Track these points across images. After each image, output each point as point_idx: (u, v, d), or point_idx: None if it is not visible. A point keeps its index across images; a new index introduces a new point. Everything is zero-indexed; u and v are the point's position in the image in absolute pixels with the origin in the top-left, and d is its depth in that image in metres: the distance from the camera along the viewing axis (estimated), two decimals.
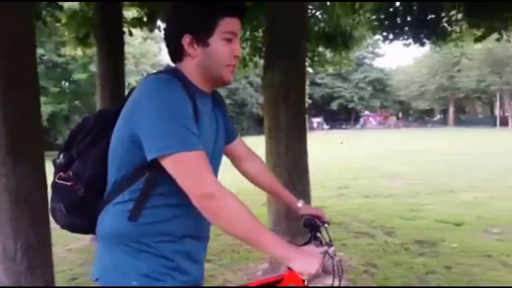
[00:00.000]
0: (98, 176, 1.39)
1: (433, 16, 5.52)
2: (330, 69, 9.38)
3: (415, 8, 5.65)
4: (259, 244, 1.25)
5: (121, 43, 5.78)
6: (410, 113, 69.18)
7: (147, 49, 33.81)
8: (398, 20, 5.70)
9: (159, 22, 6.85)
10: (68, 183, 1.40)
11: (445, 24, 5.57)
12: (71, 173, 1.40)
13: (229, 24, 1.36)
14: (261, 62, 7.14)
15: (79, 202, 1.39)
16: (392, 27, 5.78)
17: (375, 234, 5.60)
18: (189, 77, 1.38)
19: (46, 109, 22.21)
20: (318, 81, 57.04)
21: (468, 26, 5.39)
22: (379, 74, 61.90)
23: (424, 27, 5.58)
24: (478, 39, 5.55)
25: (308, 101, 53.31)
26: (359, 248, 5.10)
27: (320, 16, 6.53)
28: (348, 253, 4.88)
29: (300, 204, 1.78)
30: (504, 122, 47.44)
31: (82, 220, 1.42)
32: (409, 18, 5.70)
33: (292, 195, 1.82)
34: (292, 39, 4.02)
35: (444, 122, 61.01)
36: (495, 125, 48.93)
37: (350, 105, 61.36)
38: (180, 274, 1.37)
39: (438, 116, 67.78)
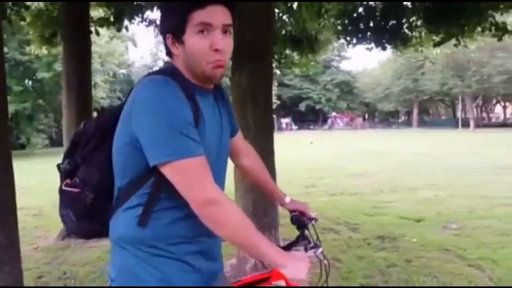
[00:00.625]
0: (105, 181, 1.35)
1: (394, 21, 5.76)
2: (298, 71, 9.55)
3: (377, 13, 5.89)
4: (254, 251, 1.28)
5: (88, 43, 5.75)
6: (376, 115, 70.76)
7: (113, 48, 33.28)
8: (361, 25, 5.92)
9: (126, 22, 6.86)
10: (76, 190, 1.36)
11: (406, 30, 5.82)
12: (77, 180, 1.36)
13: (201, 16, 1.26)
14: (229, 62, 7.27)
15: (89, 208, 1.36)
16: (356, 32, 6.00)
17: (339, 230, 5.79)
18: (184, 75, 1.33)
19: (9, 108, 21.52)
20: (287, 82, 57.60)
21: (427, 31, 5.66)
22: (345, 77, 62.97)
23: (385, 32, 5.81)
24: (436, 44, 5.84)
25: (276, 102, 53.71)
26: (324, 243, 5.18)
27: (287, 20, 6.68)
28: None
29: (287, 199, 1.82)
30: (465, 124, 49.07)
31: (93, 225, 1.40)
32: (371, 24, 5.92)
33: (282, 192, 1.84)
34: (259, 42, 4.13)
35: (408, 123, 62.61)
36: (457, 126, 50.55)
37: (318, 106, 62.16)
38: (197, 275, 1.35)
39: (402, 118, 69.51)
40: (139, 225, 1.28)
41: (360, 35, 6.04)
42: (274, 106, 54.34)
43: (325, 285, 1.55)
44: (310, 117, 65.60)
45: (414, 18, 5.72)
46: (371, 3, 6.08)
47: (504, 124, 55.33)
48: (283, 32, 6.74)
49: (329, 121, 64.64)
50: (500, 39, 5.64)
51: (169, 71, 1.30)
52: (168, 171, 1.20)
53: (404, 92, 54.34)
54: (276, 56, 7.17)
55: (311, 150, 23.10)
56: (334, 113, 64.80)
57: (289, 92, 60.49)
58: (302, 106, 62.16)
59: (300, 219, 1.72)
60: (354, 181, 10.83)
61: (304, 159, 17.26)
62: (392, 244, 5.12)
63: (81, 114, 5.47)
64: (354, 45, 6.35)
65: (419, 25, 5.75)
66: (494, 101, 61.96)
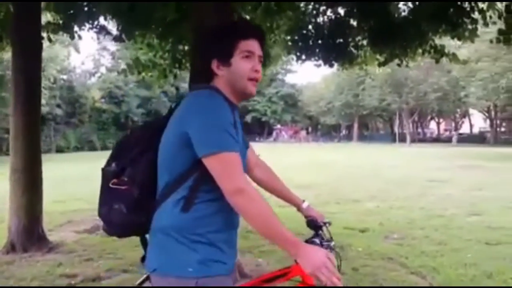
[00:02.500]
0: (150, 180, 1.59)
1: (341, 40, 6.04)
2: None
3: (325, 32, 6.15)
4: (275, 240, 1.49)
5: (38, 48, 5.56)
6: (319, 128, 72.56)
7: (55, 53, 32.00)
8: (310, 42, 6.15)
9: (76, 28, 6.71)
10: (123, 187, 1.59)
11: (352, 49, 6.12)
12: (126, 179, 1.58)
13: (245, 45, 1.61)
14: (182, 73, 7.26)
15: (137, 202, 1.57)
16: (305, 48, 6.21)
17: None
18: (224, 94, 1.62)
19: None
20: None
21: (372, 51, 5.99)
22: (290, 90, 64.23)
23: (333, 50, 6.07)
24: (381, 64, 6.18)
25: None
26: (275, 254, 5.36)
27: None
28: (265, 259, 5.13)
29: (304, 205, 2.08)
30: (402, 139, 51.37)
31: (140, 217, 1.59)
32: (320, 41, 6.17)
33: (298, 198, 2.11)
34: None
35: (349, 137, 64.70)
36: (394, 141, 52.82)
37: (264, 119, 62.87)
38: (226, 260, 1.58)
39: (344, 131, 71.69)
40: (182, 211, 1.51)
41: (309, 52, 6.26)
42: None
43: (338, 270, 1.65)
44: (256, 129, 66.11)
45: (359, 37, 6.03)
46: (320, 21, 6.33)
47: (437, 139, 58.59)
48: None
49: (274, 133, 65.47)
50: (438, 61, 6.07)
51: (213, 88, 1.62)
52: (210, 162, 1.46)
53: (346, 106, 56.15)
54: None
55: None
56: (279, 126, 65.75)
57: None
58: (248, 118, 62.54)
59: (315, 222, 1.97)
60: (302, 193, 10.76)
61: None
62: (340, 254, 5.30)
63: (29, 123, 5.29)
64: (303, 61, 6.57)
65: (365, 44, 6.06)
66: (429, 117, 65.46)
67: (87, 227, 7.00)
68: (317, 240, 1.83)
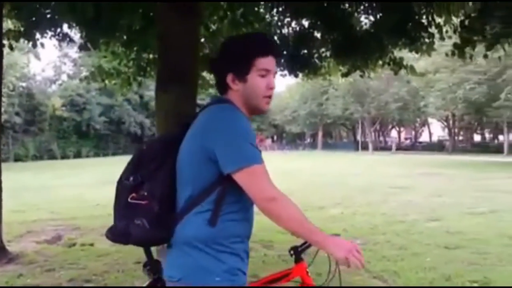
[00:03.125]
0: (169, 194, 1.61)
1: (305, 51, 6.18)
2: (211, 91, 9.69)
3: (290, 43, 6.27)
4: (306, 236, 1.58)
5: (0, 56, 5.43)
6: (284, 136, 73.22)
7: (14, 60, 31.03)
8: None
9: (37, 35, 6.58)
10: (143, 202, 1.59)
11: (316, 60, 6.26)
12: (145, 193, 1.59)
13: (263, 63, 1.63)
14: (146, 81, 7.22)
15: (158, 217, 1.58)
16: None
17: (254, 247, 5.94)
18: (239, 106, 1.65)
19: None
20: (199, 102, 57.50)
21: (335, 63, 6.16)
22: None
23: (297, 61, 6.20)
24: (343, 75, 6.36)
25: None
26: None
27: (204, 43, 6.82)
28: None
29: None
30: (365, 147, 52.56)
31: (162, 232, 1.60)
32: (285, 52, 6.29)
33: None
34: (185, 64, 4.22)
35: (314, 145, 65.60)
36: (357, 149, 53.97)
37: None
38: (245, 269, 1.64)
39: (308, 140, 72.59)
40: (209, 225, 1.54)
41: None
42: None
43: (334, 270, 1.88)
44: None
45: (323, 49, 6.19)
46: (285, 32, 6.46)
47: (398, 148, 60.14)
48: (201, 54, 6.86)
49: None
50: (396, 73, 6.31)
51: (229, 102, 1.65)
52: (242, 174, 1.50)
53: (310, 115, 56.96)
54: None
55: None
56: None
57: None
58: None
59: None
60: None
61: None
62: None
63: None
64: None
65: (328, 56, 6.23)
66: (390, 126, 67.20)
67: (47, 237, 6.84)
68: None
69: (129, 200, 1.61)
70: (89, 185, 16.02)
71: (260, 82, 1.64)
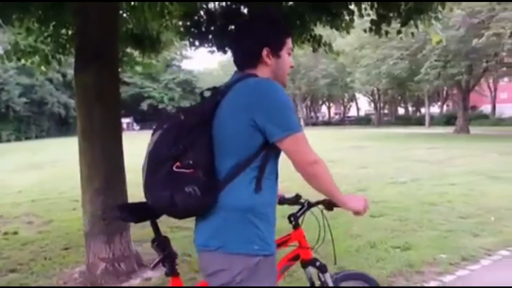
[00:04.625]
0: (211, 162, 1.65)
1: (233, 27, 6.09)
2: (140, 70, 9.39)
3: (218, 18, 6.16)
4: (335, 195, 1.76)
5: None
6: None
7: None
8: (203, 28, 6.13)
9: None
10: (188, 171, 1.59)
11: None
12: (190, 162, 1.59)
13: (290, 43, 1.80)
14: (67, 59, 6.82)
15: (206, 184, 1.60)
16: (198, 34, 6.18)
17: (190, 227, 5.85)
18: None
19: None
20: (127, 80, 55.55)
21: None
22: (187, 76, 63.57)
23: (225, 37, 6.12)
24: None
25: None
26: (175, 241, 5.25)
27: (127, 18, 6.54)
28: None
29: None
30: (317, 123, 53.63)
31: (211, 199, 1.62)
32: (212, 27, 6.17)
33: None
34: (104, 40, 4.03)
35: None
36: None
37: (161, 105, 61.50)
38: (274, 236, 1.73)
39: None
40: (255, 192, 1.63)
41: (202, 38, 6.24)
42: None
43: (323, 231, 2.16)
44: (153, 116, 64.52)
45: None
46: (211, 7, 6.33)
47: (328, 123, 62.18)
48: (124, 29, 6.58)
49: None
50: (315, 51, 6.40)
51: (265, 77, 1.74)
52: (290, 141, 1.62)
53: None
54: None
55: None
56: None
57: (130, 90, 58.52)
58: (144, 105, 60.79)
59: (288, 198, 2.31)
60: None
61: None
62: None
63: None
64: (197, 47, 6.54)
65: None
66: (320, 102, 69.09)
67: None
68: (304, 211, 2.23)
69: (174, 169, 1.59)
70: (10, 171, 15.26)
71: (288, 60, 1.81)
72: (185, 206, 1.59)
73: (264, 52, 1.73)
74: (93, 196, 4.07)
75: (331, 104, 70.78)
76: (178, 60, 63.36)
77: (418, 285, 3.88)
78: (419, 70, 29.29)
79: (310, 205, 2.24)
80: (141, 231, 5.79)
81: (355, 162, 14.01)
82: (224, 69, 59.76)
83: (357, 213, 1.86)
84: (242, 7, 6.13)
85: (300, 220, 2.19)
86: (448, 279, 3.98)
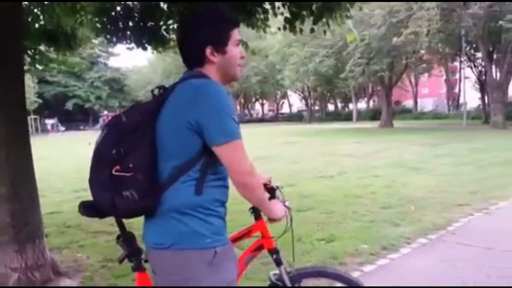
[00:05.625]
0: (152, 164, 1.63)
1: (152, 23, 5.89)
2: (61, 68, 8.90)
3: (136, 14, 5.93)
4: (263, 204, 1.82)
5: None
6: None
7: None
8: (120, 24, 5.87)
9: None
10: (128, 174, 1.59)
11: (164, 32, 6.02)
12: (130, 165, 1.59)
13: (236, 33, 1.76)
14: None
15: (146, 187, 1.59)
16: (115, 31, 5.89)
17: (113, 231, 5.64)
18: (214, 80, 1.70)
19: None
20: (49, 79, 52.72)
21: None
22: (115, 74, 61.52)
23: (144, 33, 5.89)
24: None
25: (38, 100, 48.74)
26: (96, 246, 5.14)
27: (39, 13, 6.13)
28: (85, 253, 4.89)
29: None
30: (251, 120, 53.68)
31: (151, 202, 1.61)
32: (131, 24, 5.92)
33: None
34: (5, 40, 3.74)
35: None
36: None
37: (87, 105, 59.11)
38: (226, 231, 1.74)
39: None
40: (196, 193, 1.61)
41: (119, 34, 5.96)
42: (36, 105, 49.30)
43: (288, 226, 2.15)
44: (79, 116, 61.83)
45: (171, 21, 5.97)
46: (129, 3, 6.08)
47: (262, 119, 62.88)
48: (37, 26, 6.17)
49: (101, 120, 61.98)
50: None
51: (207, 76, 1.70)
52: (224, 150, 1.59)
53: None
54: (29, 52, 6.53)
55: (87, 151, 21.88)
56: (105, 112, 62.48)
57: (53, 90, 55.65)
58: (69, 105, 58.06)
59: (270, 186, 2.25)
60: None
61: (75, 161, 16.19)
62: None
63: None
64: (115, 43, 6.26)
65: (176, 28, 6.01)
66: (253, 99, 69.65)
67: None
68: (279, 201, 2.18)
69: (113, 172, 1.60)
70: None
71: (236, 52, 1.76)
72: (124, 209, 1.61)
73: (208, 50, 1.70)
74: (1, 203, 3.75)
75: (265, 101, 71.62)
76: (104, 57, 61.20)
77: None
78: (344, 67, 30.37)
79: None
80: (58, 239, 5.48)
81: (286, 157, 14.23)
82: (153, 66, 58.53)
83: (274, 220, 1.93)
84: (161, 3, 5.93)
85: (262, 212, 2.16)
86: (368, 268, 4.09)
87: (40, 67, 7.88)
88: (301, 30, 5.23)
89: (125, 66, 66.13)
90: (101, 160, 1.64)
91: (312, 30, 5.06)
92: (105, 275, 4.19)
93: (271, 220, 1.94)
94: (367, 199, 7.13)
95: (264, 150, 16.58)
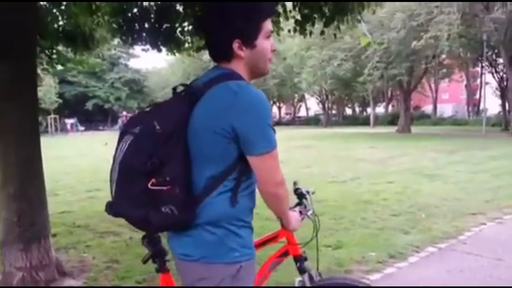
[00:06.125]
0: (188, 175, 1.53)
1: (168, 25, 5.95)
2: (83, 68, 9.02)
3: (152, 16, 5.99)
4: (284, 216, 1.85)
5: None
6: None
7: None
8: (136, 26, 5.94)
9: None
10: (165, 188, 1.48)
11: (179, 34, 6.07)
12: (167, 178, 1.47)
13: (268, 24, 1.60)
14: None
15: (184, 201, 1.50)
16: (131, 32, 5.97)
17: (120, 232, 5.74)
18: (243, 76, 1.58)
19: None
20: (70, 79, 53.60)
21: (198, 38, 6.01)
22: (135, 75, 62.08)
23: (160, 35, 5.95)
24: (201, 48, 6.19)
25: (58, 100, 49.50)
26: (103, 247, 5.18)
27: (58, 14, 6.25)
28: (91, 253, 4.92)
29: None
30: None
31: (189, 215, 1.52)
32: (146, 25, 5.99)
33: None
34: (18, 37, 3.78)
35: None
36: None
37: (107, 106, 59.77)
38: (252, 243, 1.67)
39: None
40: (232, 205, 1.54)
41: (135, 36, 6.03)
42: (56, 105, 50.06)
43: (315, 234, 2.23)
44: (99, 117, 62.54)
45: (186, 23, 6.01)
46: (146, 4, 6.14)
47: (279, 123, 62.84)
48: (56, 26, 6.28)
49: (120, 120, 62.68)
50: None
51: (237, 76, 1.56)
52: (264, 159, 1.51)
53: None
54: (46, 52, 6.64)
55: (104, 151, 22.16)
56: (124, 112, 63.04)
57: (73, 90, 56.45)
58: (89, 105, 58.80)
59: (301, 191, 2.33)
60: None
61: (91, 161, 16.42)
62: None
63: None
64: (131, 45, 6.34)
65: (191, 30, 6.06)
66: (271, 102, 69.61)
67: None
68: (297, 209, 2.20)
69: (149, 186, 1.48)
70: None
71: (267, 45, 1.61)
72: (160, 224, 1.53)
73: (235, 45, 1.55)
74: (7, 202, 3.81)
75: (282, 104, 71.52)
76: (125, 58, 61.87)
77: None
78: (363, 71, 30.13)
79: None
80: (66, 238, 5.55)
81: (300, 161, 14.15)
82: (172, 68, 58.92)
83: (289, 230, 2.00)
84: (177, 5, 5.98)
85: None
86: (374, 277, 4.04)
87: (58, 67, 8.02)
88: (310, 33, 5.20)
89: (145, 67, 66.80)
90: (132, 172, 1.50)
91: (322, 33, 5.03)
92: (109, 276, 4.23)
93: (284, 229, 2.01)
94: (378, 206, 7.06)
95: (279, 154, 16.53)
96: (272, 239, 2.15)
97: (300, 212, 2.18)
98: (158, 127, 1.50)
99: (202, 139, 1.52)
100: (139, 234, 5.31)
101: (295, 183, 2.38)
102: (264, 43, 1.60)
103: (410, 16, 25.88)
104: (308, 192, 2.34)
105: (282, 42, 39.76)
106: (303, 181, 8.70)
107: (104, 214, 1.70)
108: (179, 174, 1.50)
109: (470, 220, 6.00)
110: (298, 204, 2.29)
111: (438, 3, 24.20)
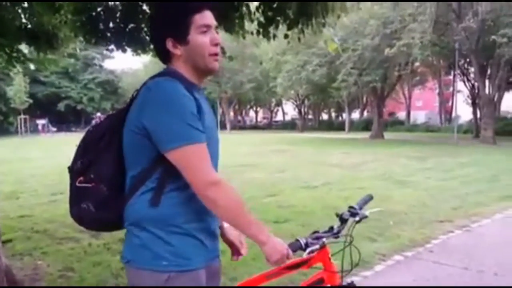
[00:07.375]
0: (118, 175, 1.54)
1: (133, 25, 5.77)
2: (57, 68, 8.73)
3: (117, 15, 5.80)
4: (246, 230, 1.52)
5: None
6: None
7: None
8: (100, 25, 5.74)
9: None
10: (90, 185, 1.52)
11: (144, 35, 5.90)
12: (92, 176, 1.52)
13: (201, 19, 1.55)
14: None
15: (105, 199, 1.52)
16: (94, 31, 5.77)
17: (80, 238, 5.51)
18: (184, 75, 1.54)
19: None
20: (42, 79, 52.42)
21: None
22: (109, 76, 61.25)
23: (125, 35, 5.76)
24: None
25: (29, 100, 48.32)
26: (60, 254, 4.97)
27: (20, 12, 6.00)
28: (47, 261, 4.73)
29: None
30: (223, 126, 53.69)
31: (110, 215, 1.53)
32: (111, 25, 5.79)
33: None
34: None
35: None
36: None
37: (80, 106, 58.77)
38: (205, 251, 1.55)
39: None
40: (151, 205, 1.47)
41: (99, 35, 5.83)
42: (27, 105, 48.81)
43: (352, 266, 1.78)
44: (71, 118, 61.36)
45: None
46: (111, 4, 5.96)
47: (256, 127, 62.92)
48: (17, 24, 6.03)
49: (93, 122, 60.99)
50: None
51: (171, 73, 1.52)
52: (175, 156, 1.43)
53: None
54: (6, 50, 6.37)
55: (73, 153, 21.66)
56: (98, 114, 61.91)
57: (45, 90, 55.28)
58: (61, 106, 57.66)
59: (344, 214, 1.90)
60: None
61: (61, 162, 15.93)
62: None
63: None
64: (94, 44, 6.12)
65: None
66: (248, 106, 69.62)
67: None
68: (327, 235, 1.81)
69: (77, 184, 1.55)
70: None
71: (202, 40, 1.55)
72: (87, 221, 1.58)
73: (169, 43, 1.55)
74: None
75: (259, 109, 71.55)
76: (99, 59, 60.93)
77: None
78: (337, 76, 30.34)
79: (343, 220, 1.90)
80: (22, 244, 5.30)
81: (273, 166, 14.08)
82: (147, 69, 58.21)
83: (272, 264, 1.60)
84: (144, 5, 5.81)
85: (326, 239, 1.80)
86: None
87: (31, 67, 7.72)
88: (274, 36, 5.13)
89: (121, 68, 65.84)
90: (70, 172, 1.60)
91: (286, 36, 4.96)
92: (62, 286, 4.05)
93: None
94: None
95: (251, 157, 16.44)
96: (304, 262, 1.80)
97: (306, 244, 1.74)
98: (91, 128, 1.62)
99: (125, 139, 1.54)
100: (98, 241, 5.17)
101: (351, 207, 1.96)
102: (199, 38, 1.56)
103: (384, 23, 26.22)
104: (356, 215, 1.90)
105: (258, 47, 39.76)
106: (274, 186, 8.68)
107: (65, 219, 1.74)
108: (106, 172, 1.54)
109: (438, 228, 6.01)
110: (331, 229, 1.90)
111: (411, 11, 24.57)
